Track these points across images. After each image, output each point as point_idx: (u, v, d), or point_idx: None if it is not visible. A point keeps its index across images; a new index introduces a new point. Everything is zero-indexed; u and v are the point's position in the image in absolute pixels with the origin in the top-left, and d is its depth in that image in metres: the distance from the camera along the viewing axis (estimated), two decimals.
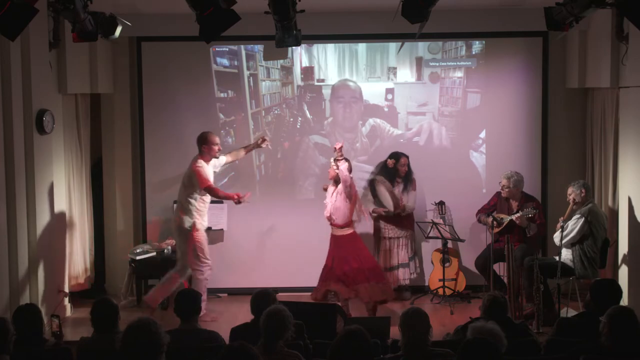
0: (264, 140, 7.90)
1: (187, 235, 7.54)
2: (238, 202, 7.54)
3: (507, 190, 7.92)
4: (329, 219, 7.45)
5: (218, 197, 7.65)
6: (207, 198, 7.64)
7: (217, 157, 7.73)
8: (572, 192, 7.39)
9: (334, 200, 7.41)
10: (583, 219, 7.21)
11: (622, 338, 4.24)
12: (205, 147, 7.59)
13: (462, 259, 8.52)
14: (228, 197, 7.61)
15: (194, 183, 7.51)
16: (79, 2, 5.85)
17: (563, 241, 7.20)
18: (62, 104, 7.78)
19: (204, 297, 7.50)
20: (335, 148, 7.29)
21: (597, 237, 7.26)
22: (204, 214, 7.64)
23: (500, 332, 4.10)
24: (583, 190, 7.34)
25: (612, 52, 7.49)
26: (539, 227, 7.88)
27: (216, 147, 7.62)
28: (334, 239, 7.49)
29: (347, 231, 7.42)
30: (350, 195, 7.30)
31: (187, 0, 5.60)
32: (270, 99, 8.71)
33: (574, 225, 7.25)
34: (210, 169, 7.66)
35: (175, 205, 8.47)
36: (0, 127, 6.54)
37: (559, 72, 8.59)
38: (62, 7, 5.86)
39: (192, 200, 7.54)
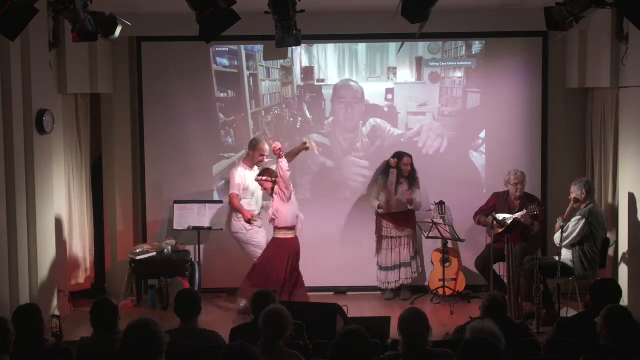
0: (305, 144, 8.05)
1: (241, 238, 7.90)
2: (248, 221, 7.83)
3: (520, 187, 7.92)
4: (271, 221, 7.67)
5: (234, 207, 7.88)
6: (253, 198, 7.92)
7: (259, 167, 7.83)
8: (574, 191, 7.39)
9: (275, 201, 7.59)
10: (584, 220, 7.20)
11: (622, 337, 4.25)
12: (251, 152, 7.83)
13: (462, 259, 8.52)
14: (242, 213, 7.84)
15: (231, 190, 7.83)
16: (79, 2, 5.85)
17: (563, 243, 7.20)
18: (62, 104, 7.79)
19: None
20: (275, 149, 7.41)
21: (597, 237, 7.26)
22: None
23: (498, 332, 4.09)
24: (584, 191, 7.33)
25: (612, 52, 7.49)
26: (540, 224, 7.90)
27: (262, 158, 7.81)
28: (279, 242, 7.69)
29: (288, 234, 7.64)
30: (289, 195, 7.54)
31: (187, 0, 5.60)
32: (270, 99, 8.71)
33: (575, 226, 7.24)
34: (252, 175, 7.76)
35: (175, 205, 8.50)
36: (0, 127, 6.54)
37: (559, 72, 8.59)
38: (62, 7, 5.86)
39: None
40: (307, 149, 8.13)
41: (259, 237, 7.97)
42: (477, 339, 3.80)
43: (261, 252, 7.80)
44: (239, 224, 7.91)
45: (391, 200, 8.18)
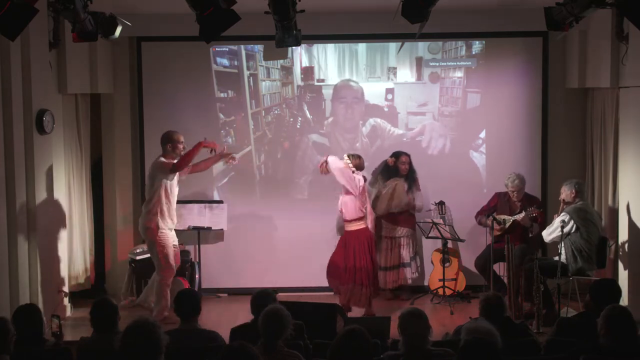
0: (231, 157, 7.78)
1: (150, 236, 7.42)
2: (213, 150, 7.56)
3: (517, 194, 7.91)
4: (341, 212, 7.61)
5: (188, 161, 7.40)
6: (173, 198, 7.49)
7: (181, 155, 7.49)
8: (564, 191, 7.41)
9: (342, 194, 7.54)
10: (567, 216, 7.22)
11: (621, 337, 4.25)
12: (170, 145, 7.44)
13: (462, 259, 8.51)
14: (198, 148, 7.42)
15: (155, 180, 7.36)
16: (79, 2, 5.85)
17: (550, 237, 7.30)
18: (62, 104, 7.79)
19: (167, 303, 7.41)
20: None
21: (590, 232, 7.21)
22: (167, 214, 7.46)
23: (494, 331, 4.09)
24: (574, 191, 7.34)
25: (612, 52, 7.49)
26: (540, 226, 7.90)
27: (181, 146, 7.46)
28: (346, 234, 7.63)
29: (359, 225, 7.52)
30: (353, 188, 7.37)
31: (187, 0, 5.60)
32: (270, 99, 8.71)
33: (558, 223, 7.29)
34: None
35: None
36: (0, 127, 6.54)
37: (559, 72, 8.59)
38: (62, 7, 5.86)
39: (155, 200, 7.39)
40: (228, 161, 7.86)
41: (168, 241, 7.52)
42: (476, 339, 3.80)
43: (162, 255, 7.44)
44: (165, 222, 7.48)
45: (382, 205, 8.15)
